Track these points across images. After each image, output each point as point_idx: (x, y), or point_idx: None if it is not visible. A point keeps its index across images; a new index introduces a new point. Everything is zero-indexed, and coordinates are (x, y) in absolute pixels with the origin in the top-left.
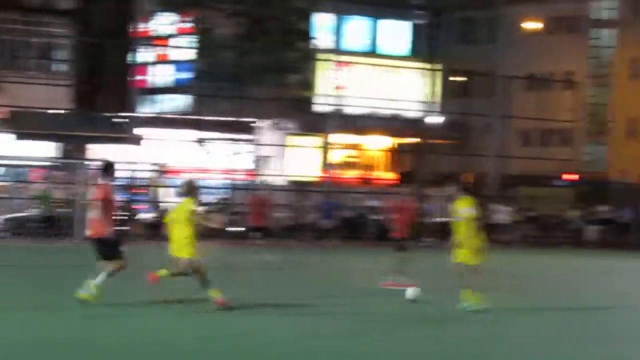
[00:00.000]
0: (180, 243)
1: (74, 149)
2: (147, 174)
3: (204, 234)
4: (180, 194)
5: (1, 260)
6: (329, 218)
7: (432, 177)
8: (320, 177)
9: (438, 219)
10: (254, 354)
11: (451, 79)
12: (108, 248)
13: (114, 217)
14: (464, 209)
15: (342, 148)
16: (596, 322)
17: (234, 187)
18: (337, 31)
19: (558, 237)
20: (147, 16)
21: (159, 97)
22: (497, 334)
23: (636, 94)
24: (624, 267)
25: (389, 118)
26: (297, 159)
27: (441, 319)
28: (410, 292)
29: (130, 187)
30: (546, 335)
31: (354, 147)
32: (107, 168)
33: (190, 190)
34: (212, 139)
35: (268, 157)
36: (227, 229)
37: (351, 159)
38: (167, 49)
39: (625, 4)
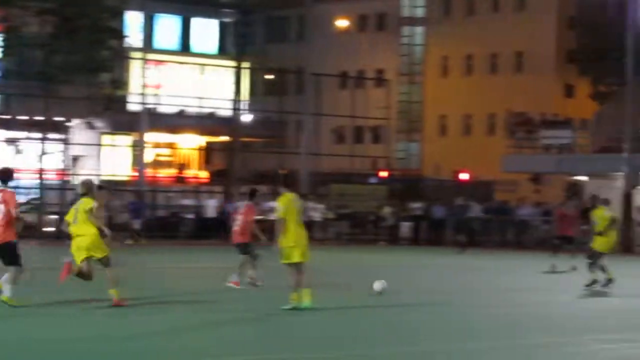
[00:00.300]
0: (86, 242)
1: None
2: None
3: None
4: (80, 194)
5: None
6: (137, 218)
7: (246, 175)
8: (133, 176)
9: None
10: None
11: (263, 77)
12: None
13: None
14: (284, 206)
15: (156, 147)
16: (407, 319)
17: (45, 187)
18: (149, 30)
19: (373, 234)
20: None
21: None
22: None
23: (447, 92)
24: (437, 263)
25: (202, 116)
26: (111, 158)
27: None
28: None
29: None
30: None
31: (168, 146)
32: (8, 174)
33: (89, 189)
34: (23, 139)
35: (81, 156)
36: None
37: (165, 158)
38: None
39: (434, 2)
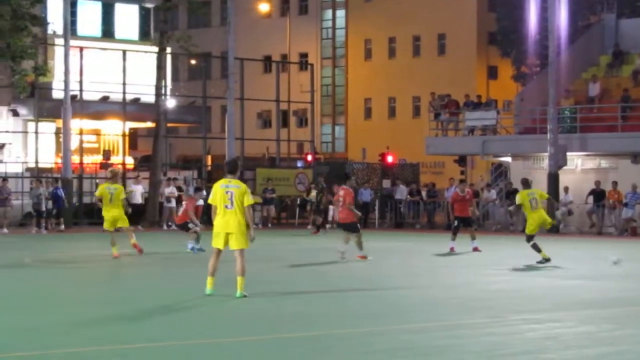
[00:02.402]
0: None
1: None
2: None
3: None
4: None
5: None
6: (58, 205)
7: (171, 160)
8: (58, 163)
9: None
10: None
11: (187, 62)
12: None
13: None
14: (212, 191)
15: (80, 134)
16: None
17: None
18: (71, 16)
19: (300, 218)
20: None
21: None
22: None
23: (370, 75)
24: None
25: (126, 103)
26: (35, 145)
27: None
28: None
29: None
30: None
31: (92, 132)
32: None
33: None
34: None
35: (6, 144)
36: None
37: (90, 145)
38: None
39: None
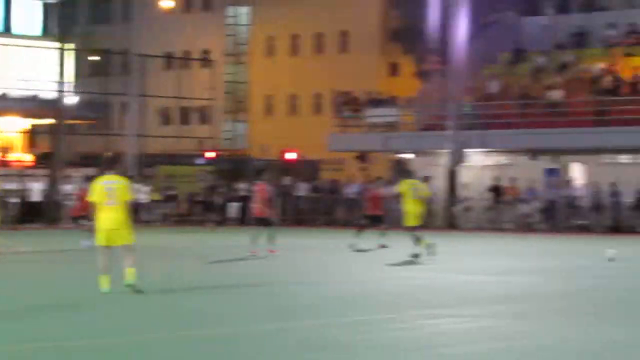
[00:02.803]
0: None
1: None
2: None
3: None
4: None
5: None
6: None
7: (71, 157)
8: None
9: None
10: None
11: (88, 58)
12: None
13: None
14: (93, 188)
15: None
16: (221, 300)
17: None
18: None
19: (201, 215)
20: None
21: None
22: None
23: (272, 71)
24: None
25: (25, 99)
26: None
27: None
28: None
29: None
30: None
31: None
32: None
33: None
34: None
35: None
36: None
37: None
38: None
39: None
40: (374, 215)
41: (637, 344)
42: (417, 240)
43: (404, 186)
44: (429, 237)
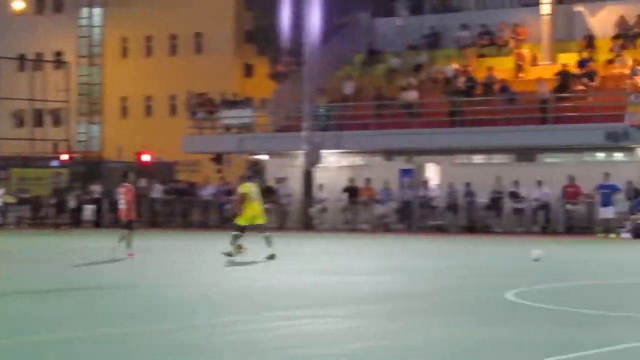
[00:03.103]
0: None
1: None
2: None
3: None
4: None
5: None
6: None
7: None
8: None
9: None
10: None
11: None
12: None
13: None
14: None
15: None
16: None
17: None
18: None
19: (56, 218)
20: None
21: None
22: None
23: (127, 73)
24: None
25: None
26: None
27: None
28: None
29: None
30: None
31: None
32: None
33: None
34: None
35: None
36: None
37: None
38: None
39: None
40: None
41: (498, 343)
42: (235, 242)
43: (246, 187)
44: (282, 240)
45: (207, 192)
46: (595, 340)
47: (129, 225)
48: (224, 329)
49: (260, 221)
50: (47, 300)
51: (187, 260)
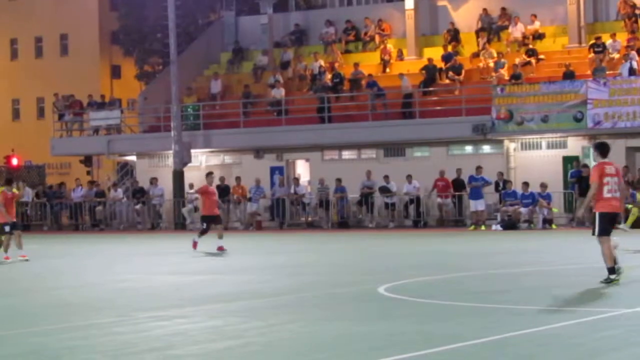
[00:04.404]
0: None
1: None
2: None
3: None
4: None
5: None
6: None
7: None
8: None
9: None
10: None
11: None
12: None
13: None
14: None
15: None
16: None
17: None
18: None
19: None
20: None
21: None
22: None
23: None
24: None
25: None
26: None
27: None
28: None
29: None
30: None
31: None
32: None
33: None
34: None
35: None
36: None
37: None
38: None
39: None
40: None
41: (369, 335)
42: None
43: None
44: (154, 240)
45: (78, 194)
46: (469, 331)
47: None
48: (96, 331)
49: None
50: None
51: (56, 263)
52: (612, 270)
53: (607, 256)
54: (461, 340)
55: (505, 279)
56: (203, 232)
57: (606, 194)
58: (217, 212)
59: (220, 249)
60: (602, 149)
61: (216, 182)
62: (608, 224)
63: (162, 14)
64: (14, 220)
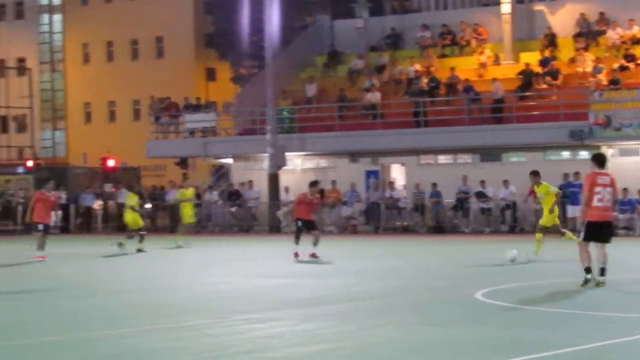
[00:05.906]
0: None
1: None
2: None
3: None
4: None
5: None
6: None
7: None
8: None
9: None
10: None
11: None
12: None
13: None
14: None
15: None
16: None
17: None
18: None
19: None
20: None
21: None
22: None
23: (89, 79)
24: (89, 252)
25: None
26: None
27: None
28: None
29: None
30: None
31: None
32: None
33: None
34: None
35: None
36: None
37: None
38: None
39: None
40: (307, 220)
41: (464, 341)
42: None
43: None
44: (249, 243)
45: (170, 196)
46: (561, 339)
47: (47, 229)
48: (190, 333)
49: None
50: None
51: (154, 264)
52: (588, 270)
53: (584, 259)
54: (552, 348)
55: (602, 287)
56: (298, 235)
57: (596, 203)
58: (312, 218)
59: (313, 255)
60: (599, 160)
61: (306, 185)
62: (595, 232)
63: (258, 16)
64: (47, 222)
